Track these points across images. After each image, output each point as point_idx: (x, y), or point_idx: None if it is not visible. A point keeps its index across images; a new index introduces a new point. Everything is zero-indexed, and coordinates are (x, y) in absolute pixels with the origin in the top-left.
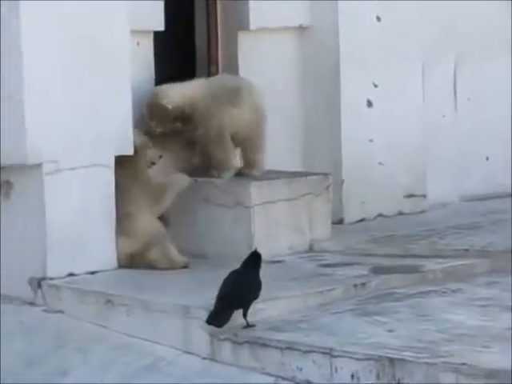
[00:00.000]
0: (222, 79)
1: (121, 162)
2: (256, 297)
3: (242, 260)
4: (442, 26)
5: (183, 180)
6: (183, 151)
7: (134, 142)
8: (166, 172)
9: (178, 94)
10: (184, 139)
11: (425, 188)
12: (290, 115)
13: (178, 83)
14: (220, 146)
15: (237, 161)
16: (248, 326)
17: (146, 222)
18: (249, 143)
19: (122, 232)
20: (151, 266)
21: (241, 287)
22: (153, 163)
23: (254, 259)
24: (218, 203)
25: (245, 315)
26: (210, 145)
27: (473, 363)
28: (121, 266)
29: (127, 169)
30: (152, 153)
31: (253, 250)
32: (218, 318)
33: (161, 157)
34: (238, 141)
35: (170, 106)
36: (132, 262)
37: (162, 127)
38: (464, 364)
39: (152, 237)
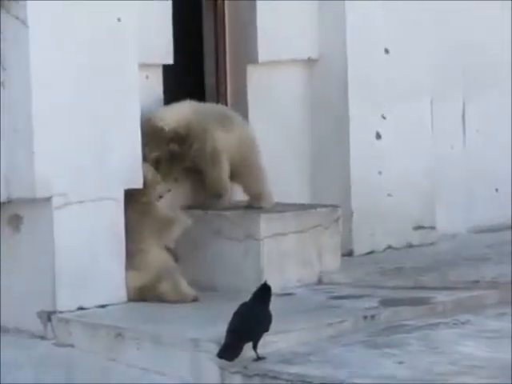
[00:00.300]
0: (212, 105)
1: (130, 195)
2: (266, 330)
3: (252, 292)
4: (451, 58)
5: (187, 220)
6: (189, 185)
7: (144, 177)
8: (173, 205)
9: (172, 115)
10: (187, 172)
11: (434, 220)
12: (299, 147)
13: (171, 106)
14: (215, 166)
15: (242, 195)
16: (258, 358)
17: (156, 255)
18: (248, 175)
19: (132, 266)
20: (161, 300)
21: (250, 320)
22: (161, 196)
23: (264, 292)
24: (228, 236)
25: (255, 348)
26: (204, 164)
27: None
28: (131, 299)
29: (136, 203)
30: (161, 187)
31: (262, 282)
32: (229, 351)
33: (169, 190)
34: (235, 173)
35: (166, 128)
36: (142, 295)
37: (157, 151)
38: None
39: (162, 270)
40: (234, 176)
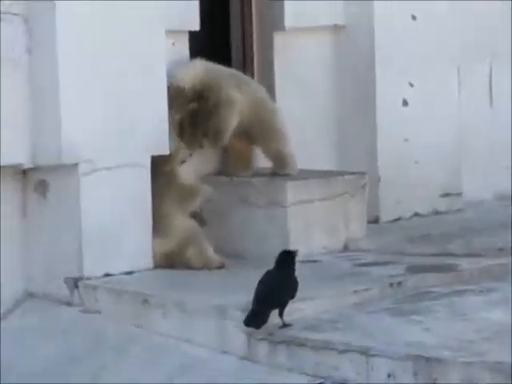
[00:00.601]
0: (224, 66)
1: (154, 163)
2: (292, 296)
3: (274, 259)
4: (478, 24)
5: (209, 189)
6: (213, 152)
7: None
8: (198, 172)
9: (187, 73)
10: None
11: (460, 187)
12: (326, 114)
13: (183, 65)
14: (224, 116)
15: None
16: (284, 325)
17: (181, 222)
18: (266, 137)
19: (158, 232)
20: (187, 266)
21: (276, 287)
22: (183, 161)
23: (287, 258)
24: (255, 203)
25: (281, 315)
26: (215, 115)
27: (509, 362)
28: (157, 265)
29: (159, 171)
30: (183, 152)
31: (284, 249)
32: (255, 319)
33: (191, 155)
34: (254, 136)
35: (186, 87)
36: (168, 261)
37: (180, 112)
38: (501, 363)
39: (187, 236)
40: (253, 139)
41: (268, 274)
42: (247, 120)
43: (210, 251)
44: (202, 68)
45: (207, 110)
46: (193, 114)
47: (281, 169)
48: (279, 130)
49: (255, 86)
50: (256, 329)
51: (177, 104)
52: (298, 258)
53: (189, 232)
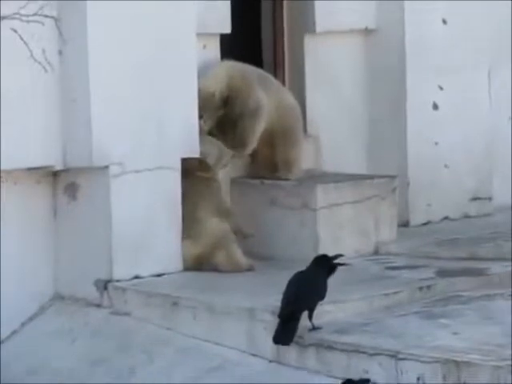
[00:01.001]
0: (252, 66)
1: (192, 166)
2: (322, 298)
3: (307, 262)
4: (509, 29)
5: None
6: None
7: (210, 153)
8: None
9: (214, 77)
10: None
11: (490, 191)
12: (356, 117)
13: (210, 69)
14: (252, 119)
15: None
16: (314, 328)
17: (212, 225)
18: (283, 141)
19: (188, 235)
20: (216, 269)
21: (306, 288)
22: (225, 165)
23: (322, 261)
24: (284, 205)
25: (310, 317)
26: (242, 120)
27: None
28: (187, 268)
29: (199, 176)
30: (226, 156)
31: (321, 254)
32: (284, 336)
33: (233, 156)
34: (272, 137)
35: (214, 92)
36: (197, 264)
37: (211, 119)
38: None
39: (217, 240)
40: (271, 139)
41: (297, 275)
42: (271, 125)
43: (239, 254)
44: (228, 71)
45: (234, 116)
46: (221, 120)
47: (284, 173)
48: (298, 139)
49: (283, 91)
50: (285, 345)
51: (206, 109)
52: (338, 261)
53: (219, 236)
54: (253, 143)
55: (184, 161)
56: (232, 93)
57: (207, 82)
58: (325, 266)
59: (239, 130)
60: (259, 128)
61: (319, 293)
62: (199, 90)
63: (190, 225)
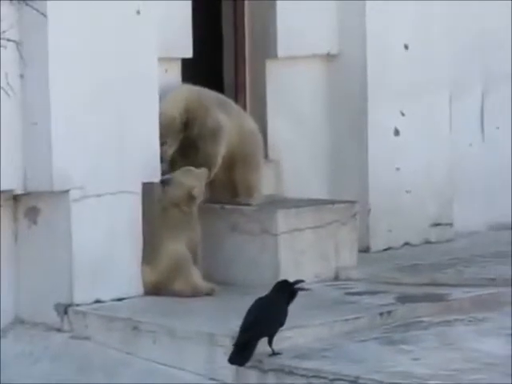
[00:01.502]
0: (210, 90)
1: (167, 195)
2: (282, 324)
3: (268, 287)
4: (470, 53)
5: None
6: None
7: (192, 188)
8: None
9: (173, 102)
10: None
11: (451, 217)
12: (317, 143)
13: (170, 93)
14: (213, 141)
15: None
16: (274, 353)
17: (170, 250)
18: (243, 165)
19: (147, 261)
20: (176, 295)
21: (267, 315)
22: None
23: (282, 287)
24: (245, 231)
25: (270, 343)
26: (203, 141)
27: None
28: (146, 293)
29: (173, 206)
30: (199, 191)
31: (279, 279)
32: (240, 355)
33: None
34: (232, 161)
35: (176, 116)
36: (156, 290)
37: (174, 143)
38: None
39: (175, 266)
40: (231, 164)
41: (258, 301)
42: (231, 149)
43: (199, 279)
44: (186, 94)
45: (194, 139)
46: (182, 143)
47: (245, 198)
48: (259, 164)
49: (244, 116)
50: (240, 366)
51: (168, 134)
52: (299, 286)
53: (176, 262)
54: (216, 165)
55: (164, 192)
56: (190, 115)
57: (167, 106)
58: (285, 291)
59: (201, 154)
60: (221, 149)
61: (279, 319)
62: (160, 115)
63: (147, 249)
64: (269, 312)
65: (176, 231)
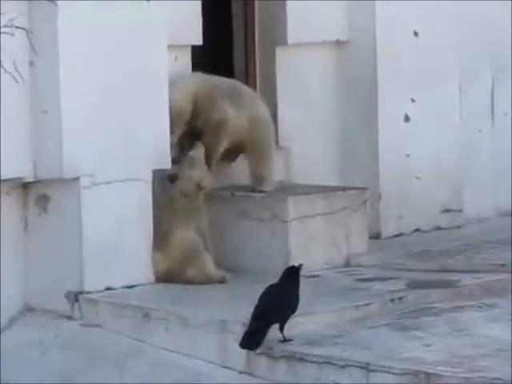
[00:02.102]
0: (223, 78)
1: (187, 190)
2: (293, 311)
3: (278, 274)
4: (480, 40)
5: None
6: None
7: (201, 181)
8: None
9: (182, 91)
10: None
11: (462, 203)
12: (328, 129)
13: (179, 82)
14: (214, 136)
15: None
16: (285, 340)
17: (183, 238)
18: (254, 154)
19: (159, 249)
20: (188, 282)
21: (277, 302)
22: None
23: (292, 273)
24: (255, 217)
25: (281, 330)
26: (205, 133)
27: (508, 378)
28: (157, 281)
29: (184, 198)
30: (208, 182)
31: (289, 265)
32: (251, 340)
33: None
34: (244, 149)
35: (182, 107)
36: (168, 277)
37: (179, 132)
38: (499, 379)
39: (188, 254)
40: (242, 151)
41: (269, 288)
42: (240, 136)
43: (211, 266)
44: (195, 85)
45: (198, 131)
46: (189, 134)
47: (258, 184)
48: (269, 152)
49: (255, 104)
50: (251, 350)
51: (176, 123)
52: (301, 272)
53: (189, 249)
54: (215, 158)
55: (173, 184)
56: (197, 106)
57: (175, 96)
58: (295, 276)
59: (204, 144)
60: (222, 143)
61: (291, 306)
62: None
63: (159, 237)
64: (280, 299)
65: (185, 219)
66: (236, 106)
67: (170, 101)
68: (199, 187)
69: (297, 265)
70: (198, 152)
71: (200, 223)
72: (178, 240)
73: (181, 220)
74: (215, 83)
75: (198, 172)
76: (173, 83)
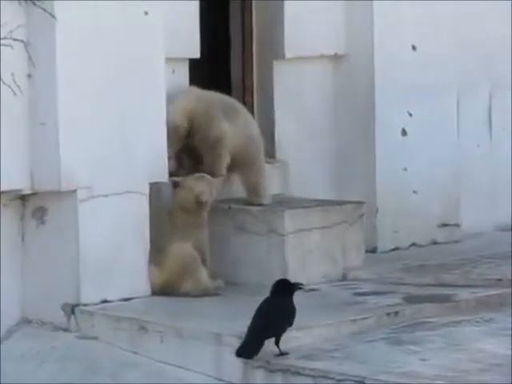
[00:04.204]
0: (219, 94)
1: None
2: (290, 325)
3: (270, 288)
4: (478, 55)
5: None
6: None
7: (204, 195)
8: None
9: (179, 108)
10: None
11: (459, 217)
12: (325, 143)
13: (176, 97)
14: (215, 153)
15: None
16: (281, 354)
17: (178, 251)
18: (248, 168)
19: (154, 262)
20: (184, 295)
21: (272, 317)
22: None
23: (284, 286)
24: (252, 231)
25: (277, 343)
26: (206, 151)
27: None
28: (154, 294)
29: (186, 212)
30: (208, 197)
31: (281, 278)
32: (247, 349)
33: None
34: (236, 164)
35: (178, 123)
36: (165, 290)
37: (176, 147)
38: None
39: (185, 268)
40: (234, 167)
41: (264, 302)
42: (233, 149)
43: (206, 279)
44: (192, 100)
45: (195, 147)
46: (188, 149)
47: (255, 198)
48: (261, 165)
49: (247, 119)
50: (247, 358)
51: (174, 141)
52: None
53: (185, 262)
54: (222, 174)
55: (173, 194)
56: (195, 123)
57: (172, 112)
58: (289, 290)
59: (206, 164)
60: (224, 158)
61: (288, 320)
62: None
63: (156, 251)
64: (278, 313)
65: (184, 233)
66: (231, 123)
67: (166, 117)
68: (198, 201)
69: (291, 280)
70: (204, 175)
71: (199, 238)
72: (175, 253)
73: (179, 234)
74: (211, 99)
75: (199, 185)
76: (170, 97)
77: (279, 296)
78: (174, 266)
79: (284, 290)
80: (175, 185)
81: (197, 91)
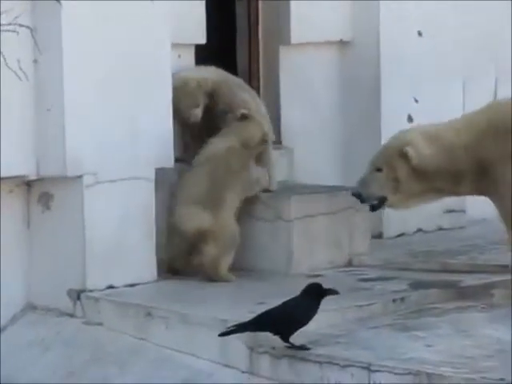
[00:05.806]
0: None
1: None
2: (303, 324)
3: (281, 273)
4: (484, 41)
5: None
6: None
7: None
8: None
9: (202, 73)
10: None
11: (464, 203)
12: (331, 129)
13: (197, 67)
14: (252, 118)
15: None
16: (294, 346)
17: (230, 226)
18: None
19: (207, 208)
20: (197, 268)
21: (281, 315)
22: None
23: (315, 290)
24: (258, 217)
25: (287, 340)
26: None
27: (510, 379)
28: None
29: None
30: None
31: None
32: (233, 330)
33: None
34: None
35: (201, 82)
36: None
37: (194, 107)
38: (502, 379)
39: (225, 243)
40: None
41: (291, 300)
42: None
43: (226, 267)
44: (214, 71)
45: (218, 112)
46: (204, 114)
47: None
48: (270, 152)
49: (258, 101)
50: (222, 335)
51: (191, 99)
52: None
53: (231, 238)
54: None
55: (243, 133)
56: (216, 89)
57: (192, 73)
58: (319, 294)
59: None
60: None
61: (301, 321)
62: (191, 80)
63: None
64: (284, 312)
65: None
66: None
67: (187, 77)
68: (265, 138)
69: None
70: None
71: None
72: (226, 224)
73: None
74: (229, 75)
75: (266, 124)
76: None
77: (307, 298)
78: (219, 235)
79: (314, 293)
80: (243, 117)
81: (215, 68)
